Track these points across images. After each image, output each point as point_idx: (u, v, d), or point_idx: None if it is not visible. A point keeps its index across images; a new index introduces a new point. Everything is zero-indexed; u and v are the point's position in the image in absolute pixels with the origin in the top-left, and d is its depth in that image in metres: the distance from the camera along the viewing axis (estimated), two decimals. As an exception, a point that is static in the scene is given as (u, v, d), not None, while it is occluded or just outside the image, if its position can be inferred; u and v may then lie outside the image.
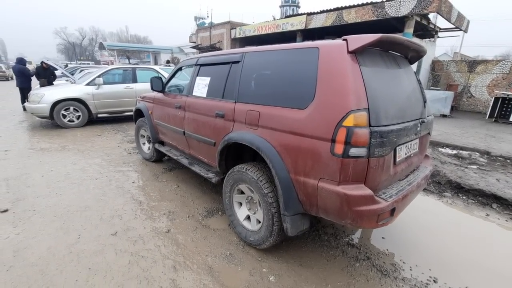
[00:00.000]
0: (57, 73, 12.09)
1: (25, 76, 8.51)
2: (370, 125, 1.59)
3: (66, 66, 15.62)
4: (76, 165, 4.17)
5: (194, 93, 2.99)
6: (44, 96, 6.34)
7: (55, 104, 6.37)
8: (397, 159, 1.87)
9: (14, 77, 8.40)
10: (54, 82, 8.82)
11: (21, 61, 8.66)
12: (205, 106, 2.74)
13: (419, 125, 2.06)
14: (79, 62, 37.78)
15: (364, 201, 1.60)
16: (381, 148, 1.63)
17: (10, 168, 3.96)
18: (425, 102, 2.27)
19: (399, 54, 2.23)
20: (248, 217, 2.43)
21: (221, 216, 2.85)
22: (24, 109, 7.77)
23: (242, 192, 2.43)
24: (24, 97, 8.28)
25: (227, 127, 2.43)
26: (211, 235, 2.52)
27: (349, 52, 1.68)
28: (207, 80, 2.84)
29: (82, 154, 4.71)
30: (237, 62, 2.46)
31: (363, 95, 1.61)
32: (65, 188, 3.36)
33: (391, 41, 1.83)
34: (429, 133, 2.39)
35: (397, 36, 1.86)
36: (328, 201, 1.69)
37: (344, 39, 1.73)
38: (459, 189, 3.67)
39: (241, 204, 2.49)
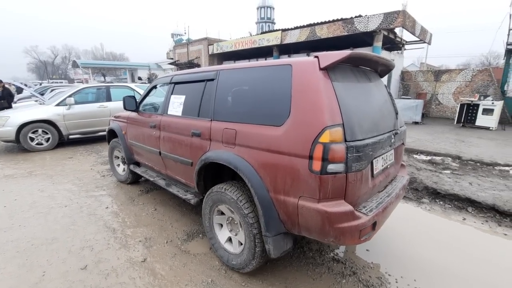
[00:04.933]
0: (26, 93, 11.48)
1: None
2: (346, 140, 1.58)
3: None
4: (43, 192, 3.87)
5: (169, 112, 2.90)
6: (9, 119, 5.95)
7: (22, 126, 5.98)
8: (375, 172, 1.88)
9: None
10: (13, 104, 8.35)
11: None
12: (181, 125, 2.66)
13: (393, 136, 2.10)
14: (51, 81, 36.32)
15: (345, 217, 1.57)
16: (358, 163, 1.63)
17: (-33, 200, 3.60)
18: (397, 113, 2.34)
19: (369, 69, 2.30)
20: (229, 239, 2.33)
21: (201, 239, 2.72)
22: (-13, 133, 7.24)
23: (223, 213, 2.34)
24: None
25: (204, 146, 2.35)
26: (191, 261, 2.38)
27: (321, 68, 1.70)
28: (182, 98, 2.77)
29: (51, 180, 4.40)
30: (212, 80, 2.43)
31: (337, 110, 1.61)
32: (30, 219, 3.09)
33: (360, 57, 1.88)
34: (403, 143, 2.45)
35: (366, 52, 1.92)
36: (309, 219, 1.65)
37: (316, 56, 1.75)
38: (435, 195, 3.79)
39: (222, 225, 2.39)
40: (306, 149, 1.61)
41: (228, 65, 2.45)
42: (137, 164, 3.87)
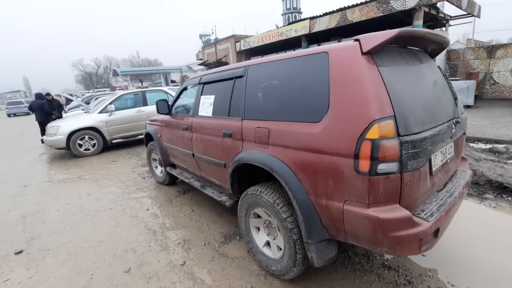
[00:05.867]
0: (74, 103, 12.54)
1: (43, 111, 8.83)
2: (398, 135, 1.35)
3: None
4: (91, 196, 4.13)
5: (199, 113, 2.86)
6: (60, 128, 6.50)
7: (71, 134, 6.51)
8: (433, 169, 1.61)
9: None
10: (63, 114, 9.10)
11: (39, 96, 8.99)
12: (212, 125, 2.60)
13: (453, 126, 1.80)
14: (96, 90, 39.53)
15: (402, 224, 1.35)
16: (415, 160, 1.39)
17: (28, 204, 3.97)
18: (456, 99, 2.00)
19: (418, 49, 1.99)
20: (268, 243, 2.21)
21: (239, 241, 2.64)
22: (42, 142, 8.05)
23: (259, 216, 2.22)
24: (44, 131, 8.56)
25: (236, 147, 2.25)
26: (230, 265, 2.31)
27: (363, 53, 1.47)
28: (211, 98, 2.70)
29: (97, 183, 4.69)
30: (241, 76, 2.31)
31: (387, 100, 1.38)
32: (79, 222, 3.29)
33: (410, 35, 1.61)
34: (464, 133, 2.10)
35: (417, 29, 1.64)
36: (357, 226, 1.46)
37: (356, 39, 1.52)
38: (502, 189, 3.27)
39: (259, 229, 2.28)
40: (350, 147, 1.41)
41: (257, 59, 2.31)
42: (173, 166, 3.93)
